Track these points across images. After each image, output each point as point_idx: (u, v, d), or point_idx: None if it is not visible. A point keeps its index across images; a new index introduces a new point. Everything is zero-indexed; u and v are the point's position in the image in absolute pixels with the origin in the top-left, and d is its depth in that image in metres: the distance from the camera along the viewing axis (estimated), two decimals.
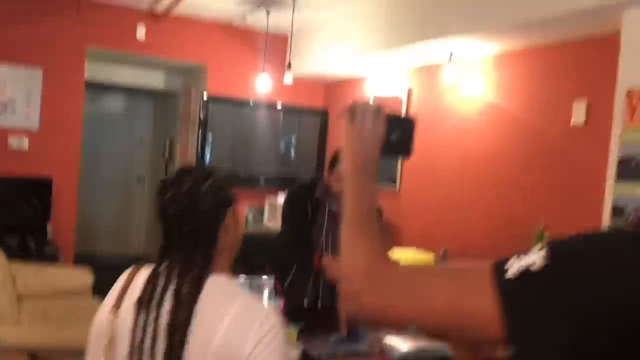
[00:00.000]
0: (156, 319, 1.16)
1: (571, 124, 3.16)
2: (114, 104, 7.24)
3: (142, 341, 1.16)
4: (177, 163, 5.99)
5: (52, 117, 4.81)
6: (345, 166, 0.92)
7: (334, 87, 5.63)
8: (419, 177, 4.39)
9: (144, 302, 1.19)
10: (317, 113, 5.66)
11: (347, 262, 0.83)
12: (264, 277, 2.53)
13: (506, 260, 0.67)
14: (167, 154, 6.53)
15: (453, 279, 0.73)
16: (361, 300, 0.78)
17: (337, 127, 5.46)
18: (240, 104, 5.39)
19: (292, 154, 5.75)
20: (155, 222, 1.25)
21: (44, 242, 4.46)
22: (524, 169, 3.45)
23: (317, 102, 5.76)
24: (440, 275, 0.76)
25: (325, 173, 2.74)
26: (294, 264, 2.76)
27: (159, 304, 1.17)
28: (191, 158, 5.55)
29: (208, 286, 1.18)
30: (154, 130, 7.34)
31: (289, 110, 5.59)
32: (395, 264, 0.82)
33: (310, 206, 2.70)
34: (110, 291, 1.29)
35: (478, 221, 3.74)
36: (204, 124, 5.25)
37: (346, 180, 0.91)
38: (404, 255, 3.77)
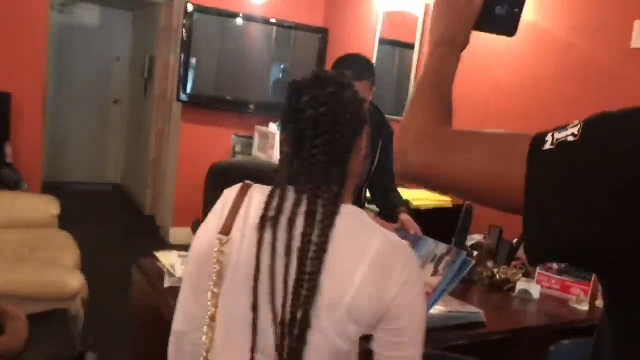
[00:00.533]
0: (288, 242, 1.02)
1: (631, 46, 2.64)
2: (88, 15, 6.51)
3: (272, 266, 1.02)
4: (158, 83, 5.39)
5: (10, 20, 4.14)
6: (430, 36, 0.90)
7: (336, 1, 4.98)
8: None
9: (270, 220, 1.04)
10: (316, 31, 5.04)
11: (404, 123, 0.84)
12: None
13: (546, 132, 0.69)
14: (146, 73, 5.93)
15: (494, 144, 0.74)
16: (408, 159, 0.80)
17: (338, 48, 4.88)
18: (229, 15, 4.75)
19: (287, 77, 5.17)
20: (284, 128, 1.11)
21: (2, 164, 3.91)
22: (568, 102, 2.95)
23: (317, 20, 5.13)
24: (483, 139, 0.77)
25: None
26: None
27: (291, 223, 1.03)
28: (173, 77, 4.95)
29: (343, 213, 1.04)
30: (132, 47, 6.67)
31: (284, 26, 4.96)
32: (448, 127, 0.83)
33: None
34: (214, 211, 1.15)
35: None
36: (187, 38, 4.63)
37: (429, 50, 0.90)
38: (412, 195, 3.30)
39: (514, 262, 2.69)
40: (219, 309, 1.10)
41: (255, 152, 4.84)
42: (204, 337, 1.12)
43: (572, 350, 1.85)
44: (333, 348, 1.04)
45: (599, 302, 2.41)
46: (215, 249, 1.08)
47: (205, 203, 3.29)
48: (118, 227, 5.48)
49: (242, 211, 1.09)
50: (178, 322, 1.20)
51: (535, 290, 2.37)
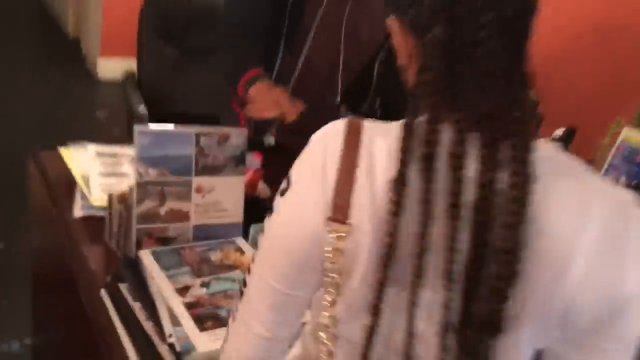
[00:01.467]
0: (454, 193, 0.61)
1: None
2: None
3: (422, 234, 0.63)
4: None
5: None
6: None
7: None
8: None
9: (419, 161, 0.62)
10: None
11: None
12: None
13: None
14: None
15: None
16: None
17: None
18: None
19: None
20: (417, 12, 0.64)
21: None
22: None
23: None
24: None
25: None
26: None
27: (456, 163, 0.61)
28: None
29: (538, 156, 0.62)
30: None
31: None
32: None
33: None
34: (309, 175, 0.70)
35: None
36: None
37: None
38: None
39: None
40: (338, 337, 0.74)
41: None
42: None
43: None
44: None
45: None
46: (328, 248, 0.68)
47: (139, 47, 2.46)
48: (32, 53, 4.41)
49: (362, 174, 0.67)
50: (245, 348, 0.77)
51: None
